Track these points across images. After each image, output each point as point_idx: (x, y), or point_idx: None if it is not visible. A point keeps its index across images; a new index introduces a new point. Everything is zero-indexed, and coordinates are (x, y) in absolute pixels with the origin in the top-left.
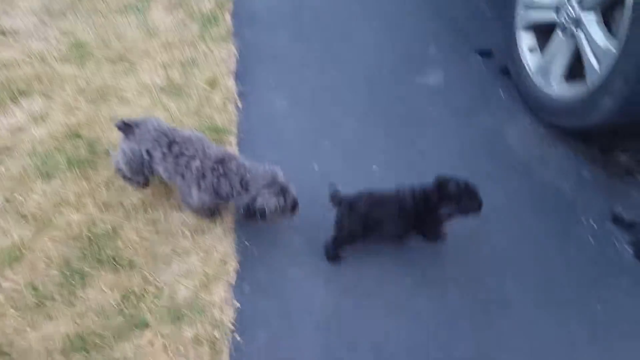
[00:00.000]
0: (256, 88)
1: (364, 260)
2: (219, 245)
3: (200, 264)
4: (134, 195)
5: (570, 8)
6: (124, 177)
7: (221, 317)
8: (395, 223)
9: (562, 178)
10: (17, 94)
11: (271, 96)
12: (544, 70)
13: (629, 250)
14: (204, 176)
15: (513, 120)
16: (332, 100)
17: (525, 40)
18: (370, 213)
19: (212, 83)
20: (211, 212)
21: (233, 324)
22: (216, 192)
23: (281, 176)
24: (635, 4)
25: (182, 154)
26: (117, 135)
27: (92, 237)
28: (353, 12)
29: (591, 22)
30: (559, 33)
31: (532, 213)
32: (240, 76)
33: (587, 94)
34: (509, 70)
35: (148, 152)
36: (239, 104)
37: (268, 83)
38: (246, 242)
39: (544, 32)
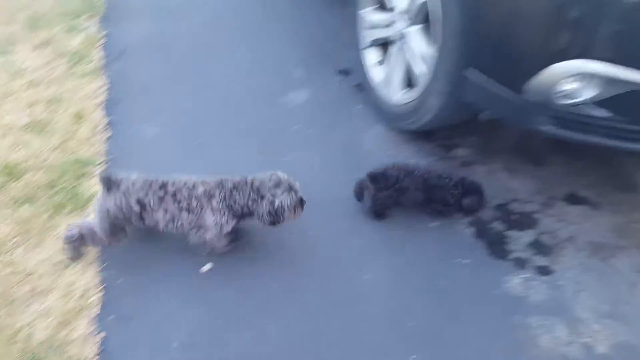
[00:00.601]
0: (126, 118)
1: (230, 273)
2: (81, 279)
3: (62, 301)
4: None
5: (398, 24)
6: (79, 244)
7: (82, 352)
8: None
9: None
10: None
11: (141, 125)
12: (387, 82)
13: (469, 230)
14: (212, 196)
15: (369, 129)
16: (203, 124)
17: (370, 57)
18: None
19: (79, 117)
20: (232, 239)
21: (97, 355)
22: (231, 208)
23: (284, 175)
24: (443, 16)
25: (179, 189)
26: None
27: None
28: (225, 39)
29: (414, 33)
30: (393, 47)
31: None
32: (109, 108)
33: (418, 97)
34: (363, 85)
35: (139, 201)
36: (107, 135)
37: (138, 112)
38: (109, 272)
39: (385, 48)
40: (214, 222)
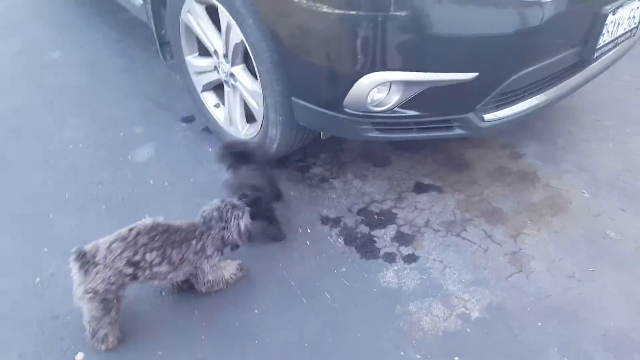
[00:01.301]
0: None
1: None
2: None
3: None
4: None
5: (223, 66)
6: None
7: None
8: None
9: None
10: None
11: None
12: (230, 120)
13: (340, 240)
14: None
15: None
16: (50, 199)
17: (209, 100)
18: None
19: None
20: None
21: None
22: (223, 239)
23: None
24: (253, 52)
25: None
26: None
27: None
28: (46, 121)
29: (240, 72)
30: (226, 87)
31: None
32: None
33: (260, 130)
34: (209, 128)
35: (130, 262)
36: None
37: None
38: None
39: (220, 89)
40: (215, 260)
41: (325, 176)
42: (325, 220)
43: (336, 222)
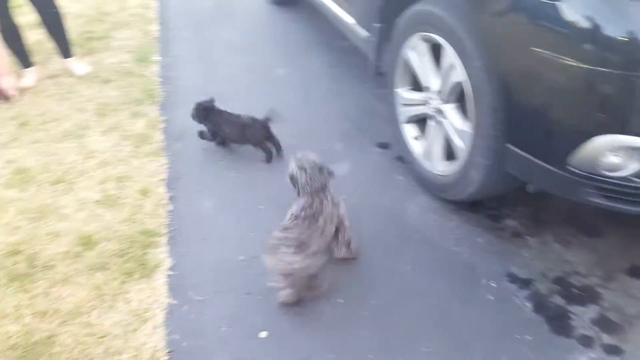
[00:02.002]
0: (186, 193)
1: (286, 339)
2: (149, 341)
3: None
4: (69, 302)
5: (433, 102)
6: None
7: None
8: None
9: (459, 245)
10: None
11: (199, 199)
12: (428, 154)
13: (528, 305)
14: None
15: (411, 199)
16: (252, 196)
17: (409, 131)
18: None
19: (145, 192)
20: None
21: None
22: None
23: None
24: (473, 94)
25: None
26: (55, 249)
27: (27, 346)
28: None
29: (450, 110)
30: (431, 122)
31: (433, 280)
32: (171, 184)
33: (459, 169)
34: (403, 157)
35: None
36: (170, 208)
37: (197, 187)
38: (174, 336)
39: (422, 123)
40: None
41: (519, 231)
42: (513, 278)
43: (526, 283)
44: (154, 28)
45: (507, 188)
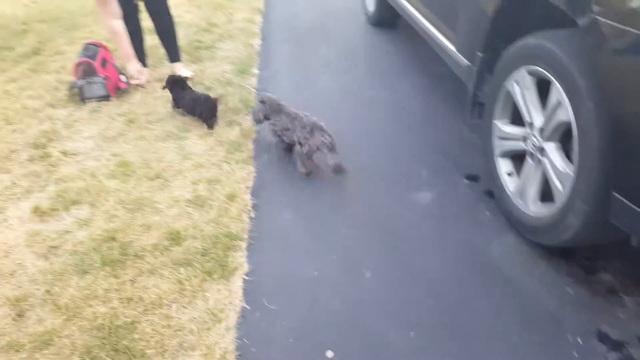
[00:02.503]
0: (268, 202)
1: None
2: (221, 341)
3: (203, 359)
4: (153, 292)
5: (534, 139)
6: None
7: None
8: None
9: (547, 294)
10: (69, 204)
11: (280, 209)
12: (521, 192)
13: None
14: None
15: (497, 238)
16: (333, 215)
17: (504, 166)
18: None
19: (232, 197)
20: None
21: None
22: None
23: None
24: (580, 135)
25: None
26: (147, 240)
27: (112, 329)
28: (354, 141)
29: (552, 150)
30: (528, 159)
31: (517, 329)
32: (255, 192)
33: (556, 213)
34: (493, 192)
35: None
36: (252, 215)
37: (279, 199)
38: (243, 341)
39: (518, 158)
40: None
41: (615, 288)
42: (603, 338)
43: (617, 345)
44: (256, 42)
45: (607, 239)
